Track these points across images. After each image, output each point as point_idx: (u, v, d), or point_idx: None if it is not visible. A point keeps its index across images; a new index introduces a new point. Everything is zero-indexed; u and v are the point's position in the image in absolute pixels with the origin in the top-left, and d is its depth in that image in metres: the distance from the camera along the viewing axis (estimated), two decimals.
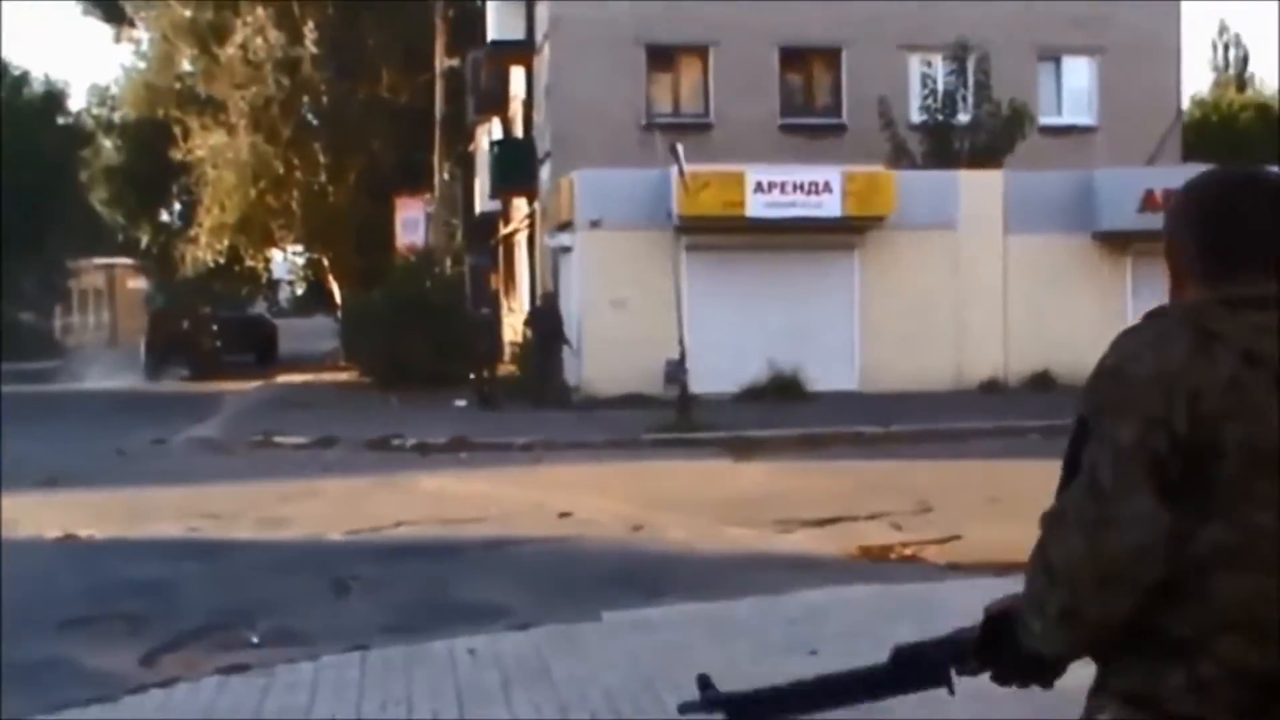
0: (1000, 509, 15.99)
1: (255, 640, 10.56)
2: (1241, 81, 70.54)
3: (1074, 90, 36.62)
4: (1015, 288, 31.69)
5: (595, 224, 30.26)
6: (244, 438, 25.92)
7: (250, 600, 12.03)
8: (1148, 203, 30.70)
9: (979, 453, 21.65)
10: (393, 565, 13.51)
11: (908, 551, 13.56)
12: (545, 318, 31.11)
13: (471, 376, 30.94)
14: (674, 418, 25.12)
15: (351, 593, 12.41)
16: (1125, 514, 2.64)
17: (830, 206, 30.46)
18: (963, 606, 10.52)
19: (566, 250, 32.13)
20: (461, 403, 30.24)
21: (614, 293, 30.08)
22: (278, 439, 25.28)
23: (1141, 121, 34.32)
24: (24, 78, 74.82)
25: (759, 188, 30.12)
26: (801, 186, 30.30)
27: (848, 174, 30.52)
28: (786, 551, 13.86)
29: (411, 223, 47.71)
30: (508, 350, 38.31)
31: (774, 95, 35.22)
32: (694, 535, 14.83)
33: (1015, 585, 9.48)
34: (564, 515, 16.26)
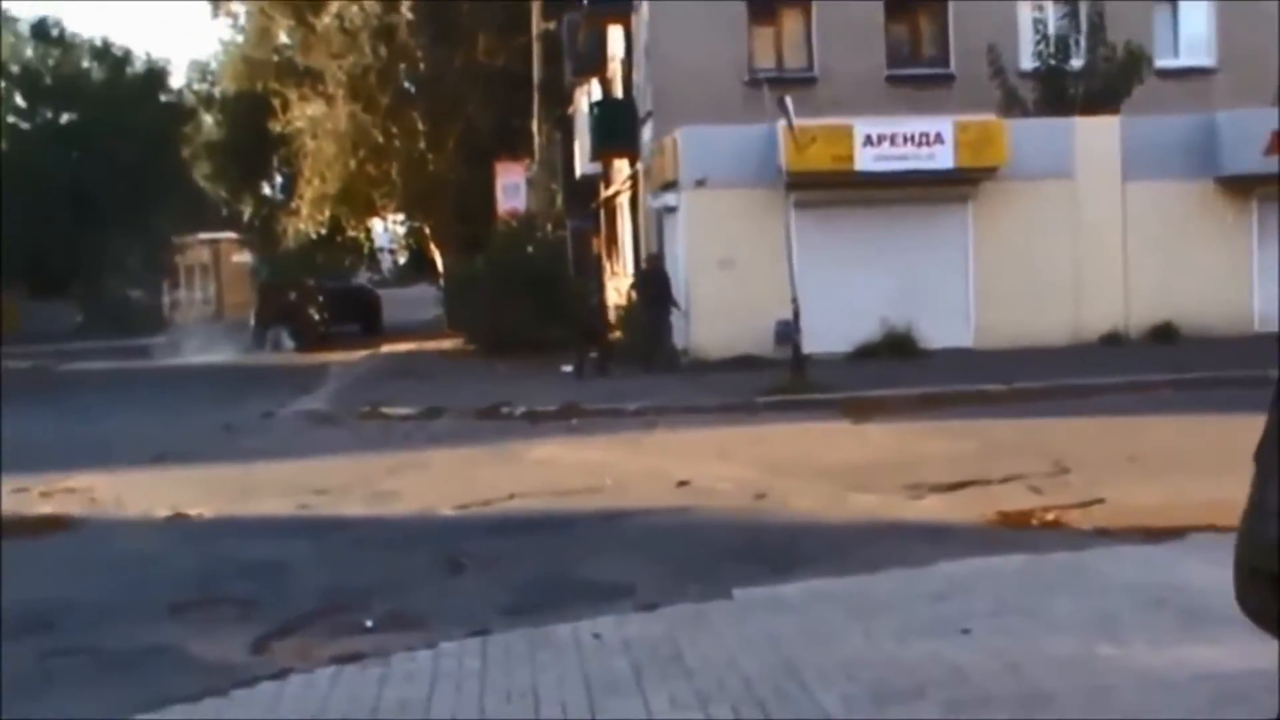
0: (1141, 469, 15.42)
1: (370, 624, 10.02)
2: None
3: (1191, 31, 35.32)
4: (1135, 237, 30.79)
5: (700, 183, 29.63)
6: (351, 409, 25.56)
7: (363, 581, 11.51)
8: (1274, 145, 29.83)
9: (1109, 409, 20.92)
10: (507, 540, 12.93)
11: (1049, 517, 12.81)
12: (652, 280, 30.48)
13: (578, 348, 30.39)
14: (787, 379, 24.51)
15: (466, 571, 11.84)
16: None
17: (942, 158, 29.69)
18: (1117, 576, 9.85)
19: (671, 211, 31.54)
20: (569, 369, 29.73)
21: (721, 253, 29.52)
22: (385, 410, 24.86)
23: (1263, 61, 32.97)
24: (126, 57, 75.37)
25: (868, 141, 29.44)
26: (912, 138, 29.57)
27: (959, 124, 29.72)
28: (919, 519, 13.16)
29: (512, 188, 47.52)
30: (613, 314, 37.81)
31: (879, 46, 34.22)
32: (820, 503, 14.19)
33: (1168, 552, 8.76)
34: (682, 484, 15.66)
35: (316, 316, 49.88)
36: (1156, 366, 24.94)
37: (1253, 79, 32.61)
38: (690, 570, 11.25)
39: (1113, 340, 30.25)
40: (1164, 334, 30.15)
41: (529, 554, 12.30)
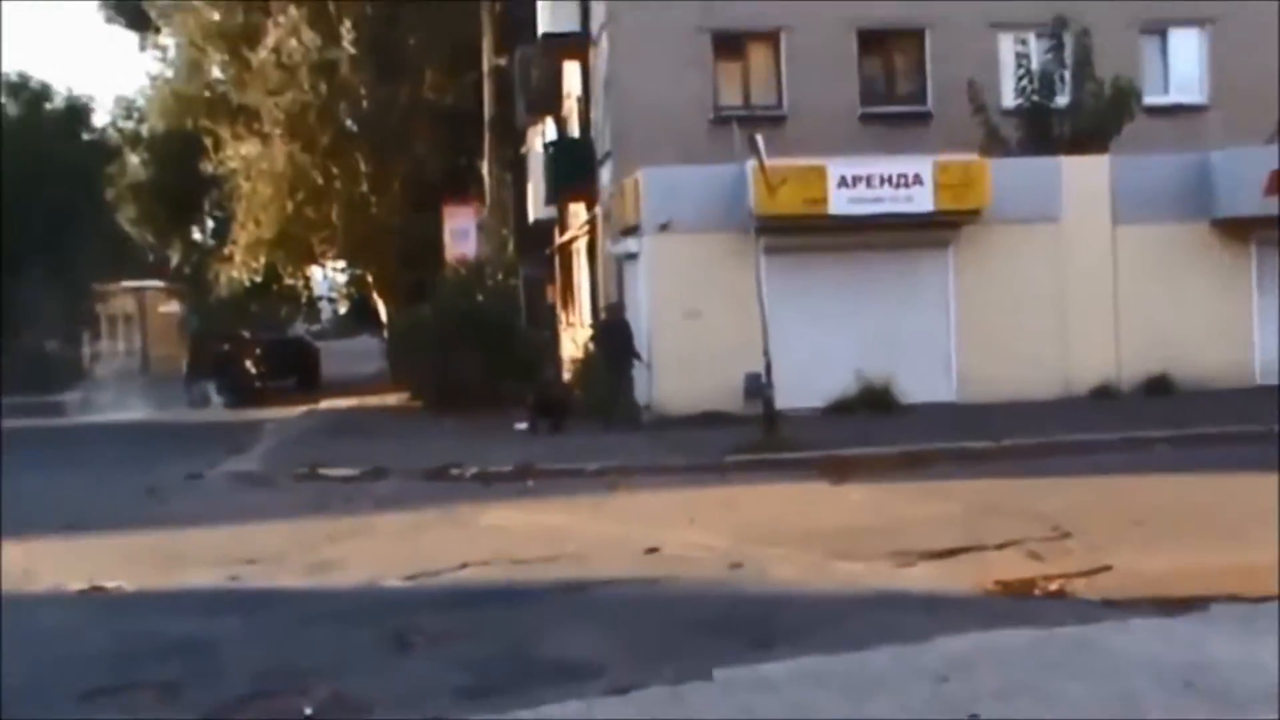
0: (1148, 533, 15.12)
1: (308, 712, 9.52)
2: None
3: (1182, 65, 35.20)
4: (1126, 283, 30.53)
5: (664, 227, 29.31)
6: (287, 470, 25.05)
7: (301, 661, 11.03)
8: (1272, 185, 29.71)
9: (1105, 468, 20.57)
10: (461, 615, 12.46)
11: (1053, 586, 12.42)
12: (612, 331, 30.08)
13: (531, 402, 29.97)
14: (759, 437, 24.09)
15: (415, 649, 11.33)
16: None
17: (921, 201, 29.36)
18: (1135, 653, 9.46)
19: (633, 257, 31.17)
20: (523, 425, 29.31)
21: (687, 302, 29.13)
22: (324, 471, 24.35)
23: (1258, 97, 32.89)
24: (45, 91, 74.64)
25: (842, 182, 29.06)
26: (889, 179, 29.22)
27: (939, 164, 29.42)
28: (912, 589, 12.76)
29: (461, 233, 47.17)
30: (569, 367, 37.43)
31: (853, 82, 33.92)
32: (802, 572, 13.75)
33: (1190, 626, 8.38)
34: (650, 551, 15.19)
35: (252, 370, 49.41)
36: (1152, 422, 24.75)
37: (1247, 116, 32.46)
38: (664, 647, 10.81)
39: (1104, 393, 29.93)
40: (1159, 386, 29.87)
41: (485, 630, 11.83)
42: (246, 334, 51.93)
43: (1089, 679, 8.99)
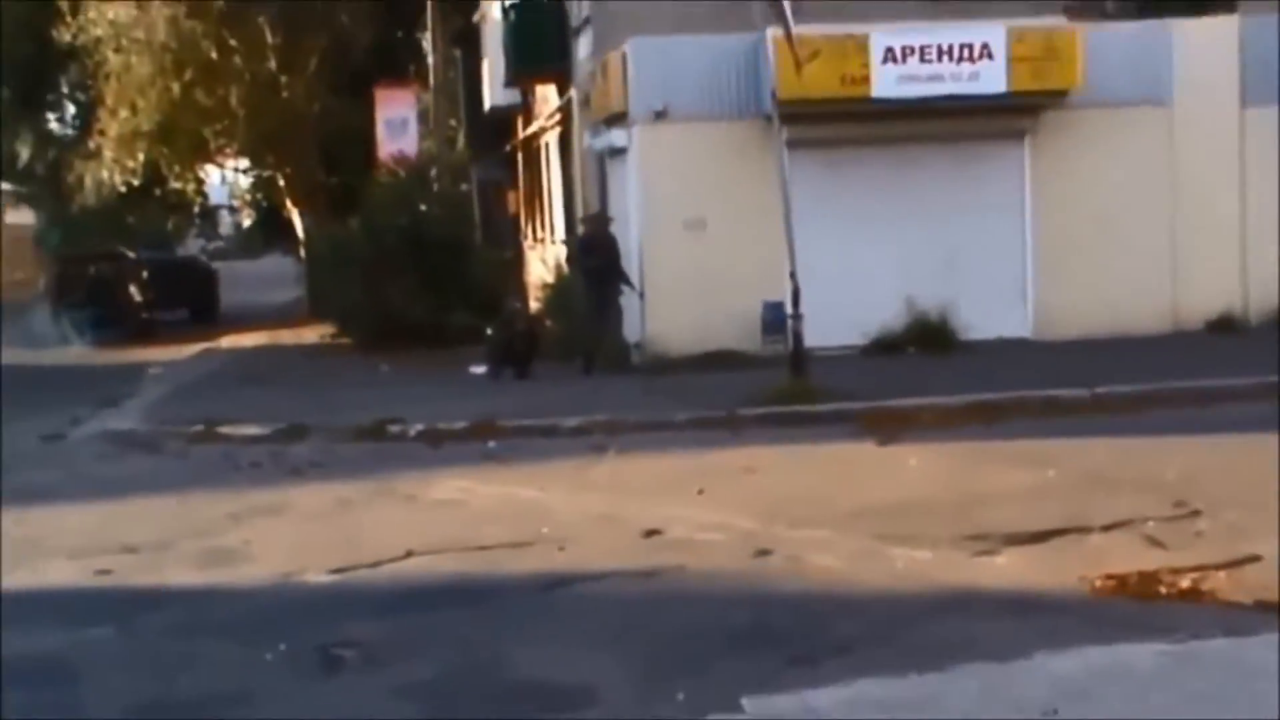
0: None
1: None
2: None
3: None
4: (1258, 184, 30.24)
5: (660, 114, 29.02)
6: (177, 429, 24.62)
7: (190, 688, 10.62)
8: None
9: (1234, 423, 20.16)
10: (405, 621, 12.12)
11: (1184, 583, 12.00)
12: (594, 249, 29.71)
13: (491, 340, 29.62)
14: (785, 383, 23.73)
15: (346, 668, 10.92)
16: None
17: (990, 79, 28.90)
18: None
19: (619, 153, 30.88)
20: (480, 370, 28.97)
21: (688, 210, 28.86)
22: (225, 429, 23.96)
23: None
24: None
25: (889, 56, 28.66)
26: (949, 52, 28.78)
27: (1014, 31, 28.96)
28: (994, 586, 12.34)
29: (397, 124, 46.80)
30: (536, 295, 37.05)
31: None
32: (849, 562, 13.34)
33: None
34: (650, 534, 14.85)
35: (135, 298, 48.93)
36: None
37: None
38: (672, 664, 10.46)
39: (1226, 326, 29.77)
40: None
41: (437, 641, 11.44)
42: (125, 253, 51.39)
43: (1247, 714, 8.57)
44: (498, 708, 9.60)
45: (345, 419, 23.83)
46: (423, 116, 47.92)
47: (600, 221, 30.50)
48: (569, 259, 32.25)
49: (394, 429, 22.84)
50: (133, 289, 49.16)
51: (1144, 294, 29.58)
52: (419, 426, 22.76)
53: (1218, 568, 12.25)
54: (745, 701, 9.21)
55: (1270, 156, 29.98)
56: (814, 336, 24.91)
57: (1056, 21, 29.58)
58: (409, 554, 14.38)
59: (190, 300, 54.59)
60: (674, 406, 23.47)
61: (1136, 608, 11.42)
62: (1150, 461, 17.54)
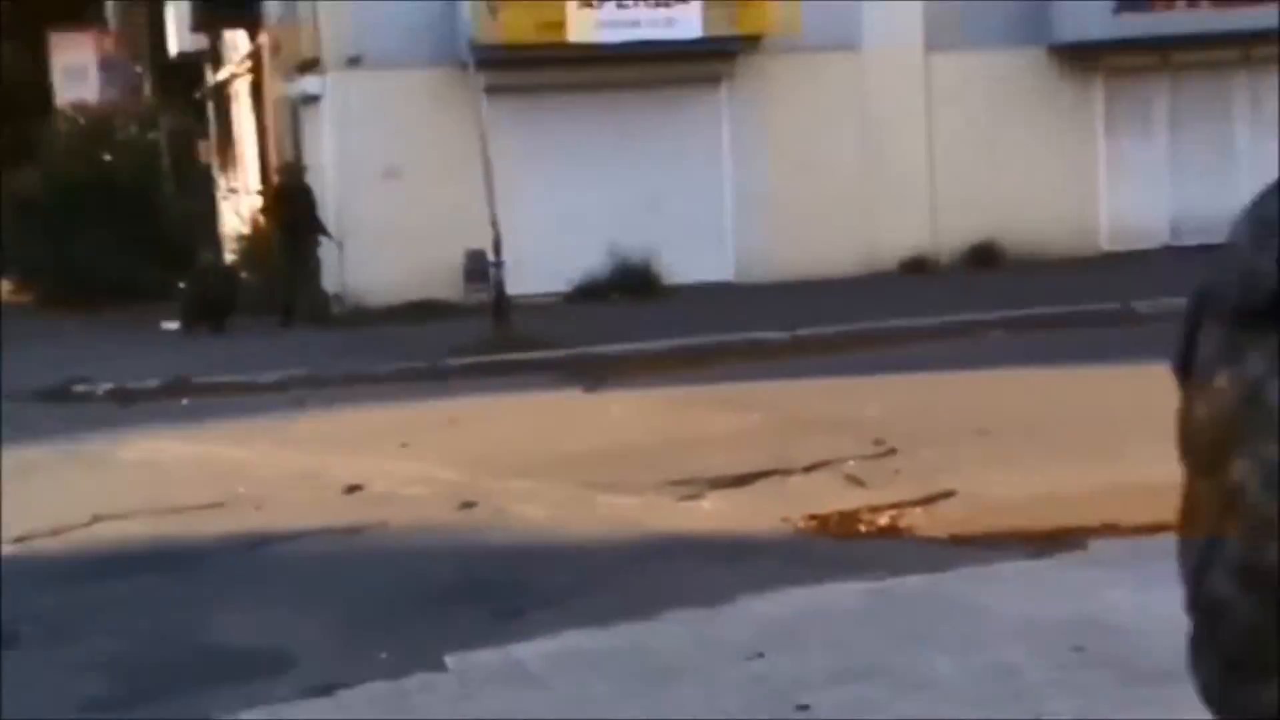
0: (994, 446, 14.88)
1: None
2: None
3: None
4: (944, 127, 30.59)
5: (355, 61, 28.55)
6: None
7: None
8: (1128, 3, 29.88)
9: (929, 362, 20.33)
10: (93, 590, 11.66)
11: (883, 520, 12.15)
12: (289, 199, 29.34)
13: (183, 294, 29.06)
14: (488, 332, 23.63)
15: (24, 643, 10.45)
16: None
17: (687, 25, 28.98)
18: (1003, 611, 9.04)
19: (313, 101, 30.37)
20: (173, 325, 28.38)
21: (386, 158, 28.43)
22: None
23: None
24: None
25: (585, 1, 28.58)
26: None
27: None
28: (701, 530, 12.41)
29: (77, 71, 45.73)
30: (230, 247, 36.46)
31: None
32: (555, 511, 13.25)
33: (1066, 571, 7.96)
34: (352, 489, 14.56)
35: None
36: (981, 302, 24.73)
37: None
38: (374, 623, 10.34)
39: (918, 267, 30.13)
40: (985, 257, 30.10)
41: (127, 611, 11.06)
42: None
43: (949, 648, 8.64)
44: (190, 678, 9.33)
45: (26, 379, 22.81)
46: (105, 64, 46.93)
47: (294, 171, 30.13)
48: (264, 210, 31.73)
49: (80, 389, 22.23)
50: None
51: (840, 236, 29.69)
52: (107, 385, 22.20)
53: (914, 504, 12.42)
54: (449, 659, 9.09)
55: (956, 100, 30.37)
56: (517, 284, 24.83)
57: None
58: (95, 519, 13.86)
59: None
60: (375, 359, 23.20)
61: (838, 547, 11.53)
62: (849, 402, 17.65)
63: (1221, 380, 2.11)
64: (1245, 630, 2.05)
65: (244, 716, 8.39)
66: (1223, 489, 2.08)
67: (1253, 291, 2.07)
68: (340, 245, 28.52)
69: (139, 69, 46.59)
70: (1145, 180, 31.34)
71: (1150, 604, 9.06)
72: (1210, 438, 2.12)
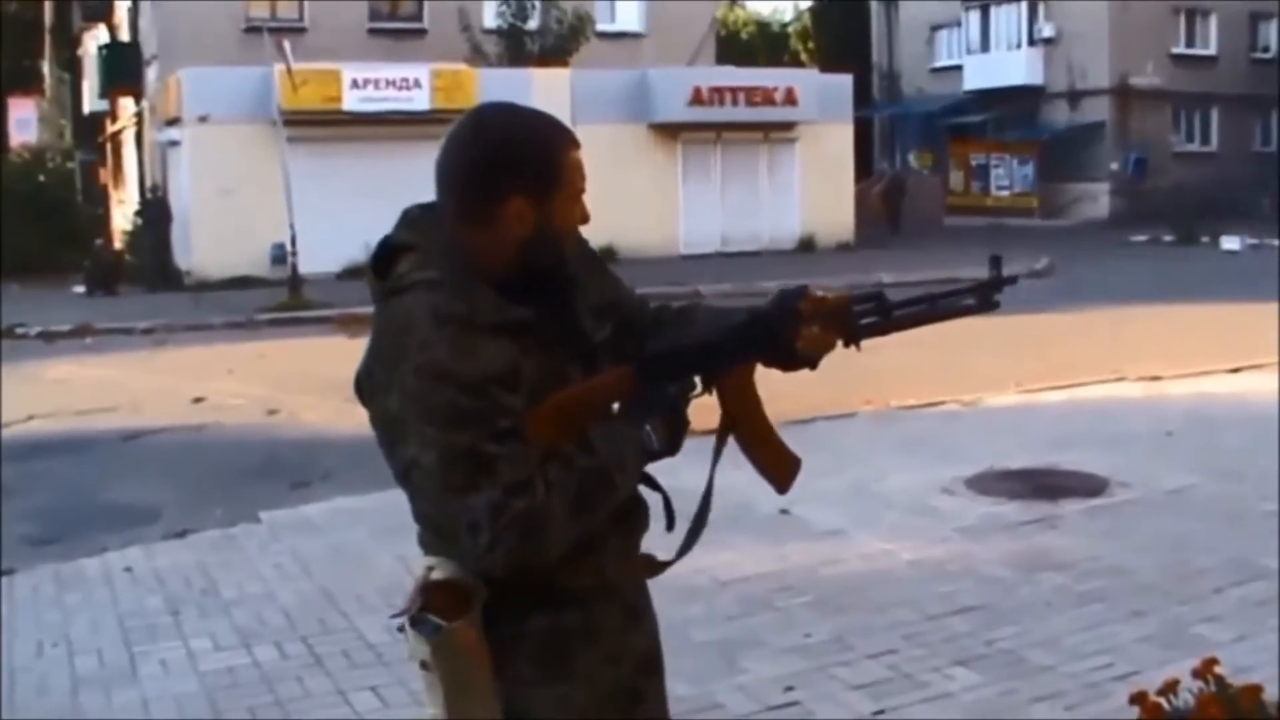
0: None
1: None
2: (735, 1, 71.99)
3: (625, 2, 35.29)
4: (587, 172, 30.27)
5: (203, 119, 27.52)
6: None
7: None
8: (694, 97, 30.32)
9: None
10: (27, 465, 11.04)
11: None
12: (154, 207, 28.44)
13: (88, 268, 27.83)
14: (286, 297, 23.02)
15: None
16: None
17: (419, 101, 28.67)
18: None
19: (175, 144, 29.17)
20: (80, 290, 27.20)
21: (222, 182, 27.36)
22: None
23: (684, 29, 33.42)
24: None
25: (354, 84, 28.14)
26: (393, 82, 28.45)
27: (434, 71, 28.78)
28: None
29: (23, 122, 43.96)
30: (119, 238, 35.11)
31: (363, 2, 32.70)
32: (329, 416, 12.69)
33: None
34: (197, 400, 13.99)
35: None
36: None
37: (675, 44, 33.09)
38: (213, 490, 9.86)
39: None
40: (607, 255, 28.70)
41: (50, 479, 10.51)
42: None
43: None
44: (91, 525, 8.88)
45: None
46: (41, 117, 45.04)
47: (156, 192, 29.28)
48: (139, 214, 30.67)
49: (19, 331, 21.10)
50: None
51: None
52: (37, 329, 21.10)
53: None
54: (262, 514, 8.77)
55: (591, 155, 29.58)
56: (306, 266, 24.24)
57: (460, 65, 29.30)
58: (30, 417, 13.28)
59: None
60: (211, 313, 22.33)
61: None
62: None
63: None
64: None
65: (128, 550, 8.05)
66: None
67: None
68: (188, 238, 27.57)
69: (63, 121, 44.76)
70: (706, 210, 31.67)
71: (717, 477, 9.13)
72: None
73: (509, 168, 2.45)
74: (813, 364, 2.46)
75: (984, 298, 2.42)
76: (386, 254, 2.54)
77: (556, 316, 2.48)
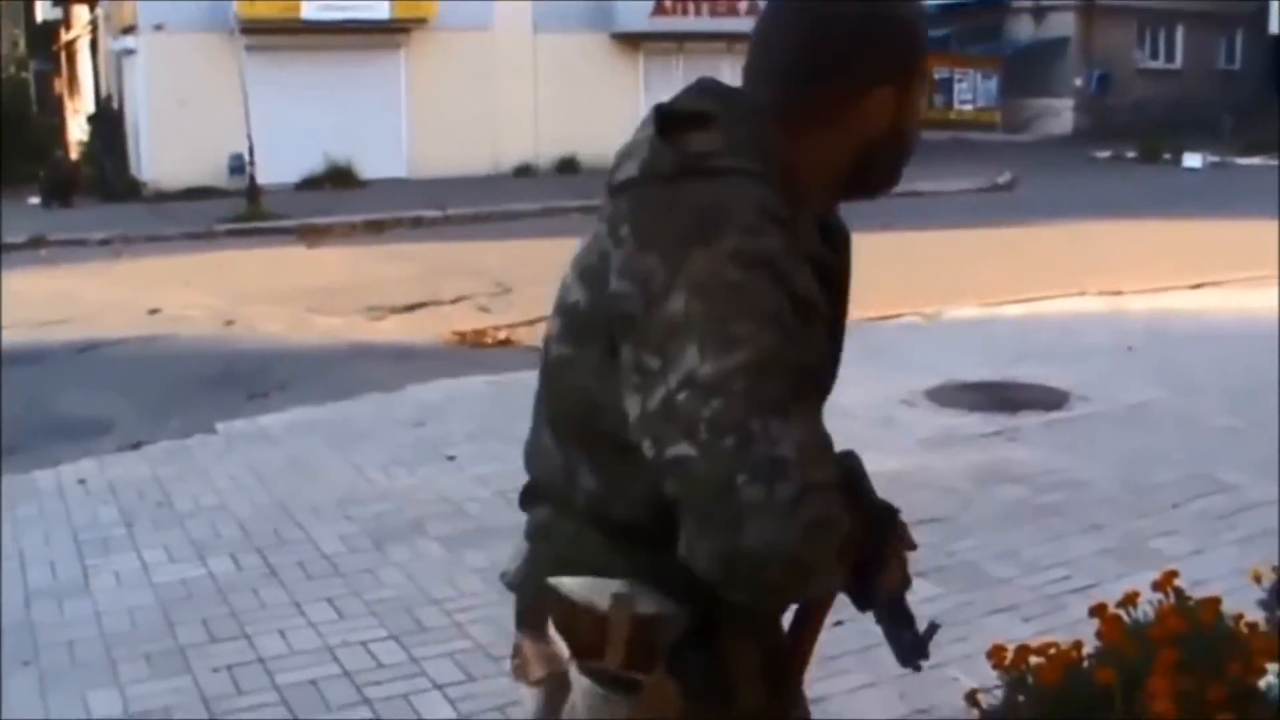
0: None
1: None
2: None
3: None
4: (543, 82, 30.03)
5: (159, 27, 26.99)
6: None
7: None
8: (657, 7, 30.10)
9: (531, 232, 19.95)
10: None
11: (501, 335, 11.87)
12: (109, 117, 27.94)
13: (43, 179, 27.38)
14: (244, 208, 22.71)
15: None
16: None
17: (378, 10, 28.35)
18: None
19: (130, 53, 28.66)
20: (36, 201, 26.80)
21: (178, 93, 26.89)
22: None
23: None
24: None
25: None
26: None
27: None
28: (382, 340, 11.98)
29: None
30: (75, 149, 34.58)
31: None
32: (287, 327, 12.73)
33: None
34: (153, 312, 13.80)
35: None
36: (565, 194, 24.34)
37: None
38: (169, 401, 9.71)
39: (525, 171, 29.58)
40: (568, 166, 29.66)
41: (8, 391, 10.21)
42: None
43: None
44: (47, 436, 8.74)
45: None
46: None
47: (110, 102, 28.82)
48: (91, 122, 30.26)
49: None
50: None
51: (476, 149, 28.97)
52: None
53: (522, 325, 12.10)
54: (218, 425, 8.69)
55: (551, 65, 30.00)
56: (264, 176, 23.99)
57: None
58: None
59: None
60: (168, 224, 22.04)
61: (472, 353, 11.23)
62: (481, 258, 17.17)
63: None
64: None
65: (81, 462, 7.95)
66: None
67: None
68: (144, 148, 27.20)
69: (17, 30, 43.95)
70: None
71: None
72: None
73: (881, 46, 1.85)
74: (867, 605, 1.97)
75: (904, 657, 2.00)
76: (673, 120, 1.83)
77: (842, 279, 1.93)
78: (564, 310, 1.88)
